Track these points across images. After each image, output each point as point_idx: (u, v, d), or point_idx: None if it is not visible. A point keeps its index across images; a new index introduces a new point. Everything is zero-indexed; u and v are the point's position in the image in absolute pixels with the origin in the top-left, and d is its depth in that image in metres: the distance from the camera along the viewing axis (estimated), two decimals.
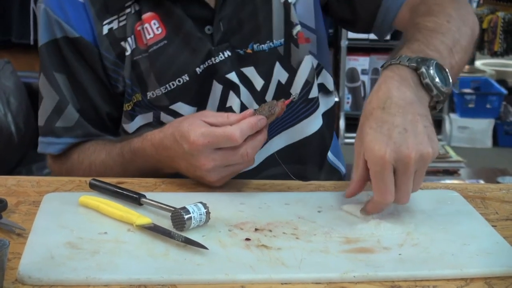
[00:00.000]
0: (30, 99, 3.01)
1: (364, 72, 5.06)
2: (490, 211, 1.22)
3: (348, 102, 5.10)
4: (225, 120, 1.22)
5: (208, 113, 1.26)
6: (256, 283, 0.96)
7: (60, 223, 1.10)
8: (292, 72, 1.43)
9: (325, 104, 1.52)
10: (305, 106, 1.46)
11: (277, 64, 1.42)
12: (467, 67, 5.39)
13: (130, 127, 1.43)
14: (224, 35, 1.39)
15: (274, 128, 1.44)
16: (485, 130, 4.91)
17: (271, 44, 1.41)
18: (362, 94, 5.06)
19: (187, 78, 1.38)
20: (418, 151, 1.07)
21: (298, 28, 1.43)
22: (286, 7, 1.42)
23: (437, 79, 1.15)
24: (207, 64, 1.38)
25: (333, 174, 1.58)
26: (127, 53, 1.38)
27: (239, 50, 1.40)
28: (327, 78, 1.53)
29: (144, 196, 1.16)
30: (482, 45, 4.99)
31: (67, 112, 1.41)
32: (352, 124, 4.94)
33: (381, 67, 1.20)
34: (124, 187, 1.21)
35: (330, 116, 1.54)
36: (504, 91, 5.07)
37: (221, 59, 1.38)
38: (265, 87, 1.42)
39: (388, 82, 1.14)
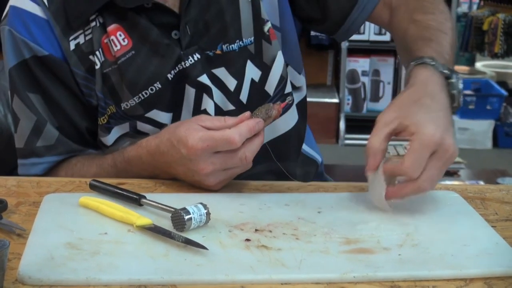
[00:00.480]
0: None
1: (364, 73, 5.06)
2: (490, 212, 1.22)
3: (348, 104, 5.09)
4: (223, 124, 1.22)
5: (204, 117, 1.26)
6: (256, 283, 0.96)
7: (60, 224, 1.10)
8: (266, 69, 1.43)
9: (297, 97, 1.52)
10: (282, 102, 1.44)
11: (249, 63, 1.41)
12: (467, 68, 5.39)
13: (108, 139, 1.41)
14: (191, 38, 1.38)
15: None
16: (485, 131, 4.91)
17: (240, 43, 1.40)
18: (362, 96, 5.06)
19: (160, 86, 1.37)
20: (456, 146, 1.14)
21: (269, 24, 1.42)
22: (255, 4, 1.41)
23: (461, 92, 1.23)
24: (177, 69, 1.38)
25: (311, 165, 1.59)
26: (97, 67, 1.37)
27: (208, 52, 1.39)
28: (294, 75, 1.52)
29: (144, 197, 1.16)
30: (483, 46, 4.99)
31: (46, 131, 1.40)
32: (352, 125, 4.94)
33: (413, 61, 1.25)
34: (124, 188, 1.21)
35: (303, 107, 1.54)
36: (504, 92, 5.07)
37: (191, 62, 1.37)
38: (239, 87, 1.41)
39: (434, 81, 1.21)
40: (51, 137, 1.40)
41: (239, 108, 1.39)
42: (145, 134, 1.37)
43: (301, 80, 1.55)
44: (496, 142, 4.92)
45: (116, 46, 1.36)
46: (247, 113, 1.23)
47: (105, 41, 1.36)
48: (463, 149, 4.63)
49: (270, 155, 1.40)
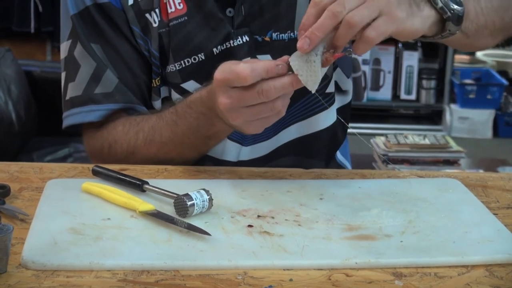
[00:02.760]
0: (31, 87, 3.01)
1: (365, 62, 5.05)
2: (491, 200, 1.22)
3: None
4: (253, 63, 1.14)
5: (248, 60, 1.21)
6: (259, 269, 0.96)
7: (63, 209, 1.10)
8: None
9: (340, 100, 1.50)
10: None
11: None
12: (468, 57, 5.38)
13: (159, 104, 1.41)
14: (244, 19, 1.37)
15: (287, 118, 1.42)
16: (486, 121, 4.91)
17: (291, 34, 1.39)
18: (363, 84, 5.06)
19: (203, 57, 1.36)
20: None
21: None
22: None
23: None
24: (224, 46, 1.37)
25: None
26: (155, 25, 1.37)
27: (257, 37, 1.38)
28: (341, 77, 1.50)
29: (147, 183, 1.17)
30: None
31: (105, 78, 1.38)
32: (354, 114, 4.94)
33: None
34: (126, 174, 1.21)
35: (345, 113, 1.51)
36: (505, 82, 5.06)
37: (239, 43, 1.37)
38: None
39: None
40: (110, 84, 1.38)
41: None
42: None
43: (348, 84, 1.52)
44: (496, 132, 4.92)
45: (171, 8, 1.36)
46: (285, 57, 1.13)
47: (164, 0, 1.36)
48: (464, 138, 4.63)
49: (299, 150, 1.40)
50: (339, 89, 1.49)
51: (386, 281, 0.95)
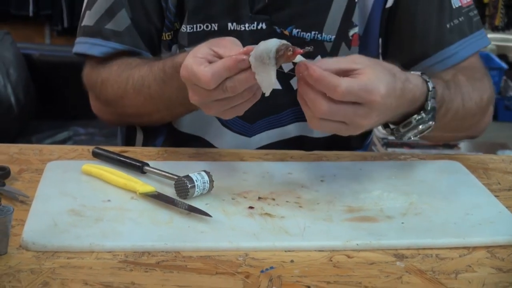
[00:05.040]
0: (30, 70, 3.00)
1: None
2: (493, 182, 1.22)
3: None
4: (228, 54, 1.08)
5: (224, 41, 1.12)
6: (260, 250, 0.96)
7: (63, 191, 1.10)
8: None
9: None
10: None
11: (319, 58, 1.33)
12: None
13: None
14: (265, 7, 1.33)
15: (290, 117, 1.40)
16: None
17: (318, 35, 1.34)
18: None
19: (216, 28, 1.33)
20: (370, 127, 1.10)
21: (356, 29, 1.36)
22: (350, 5, 1.35)
23: (412, 131, 1.17)
24: (238, 27, 1.33)
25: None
26: None
27: (276, 27, 1.34)
28: None
29: (147, 165, 1.16)
30: (483, 19, 4.96)
31: (119, 16, 1.36)
32: None
33: (422, 73, 1.18)
34: (127, 155, 1.20)
35: None
36: (504, 66, 5.05)
37: (253, 28, 1.33)
38: (293, 73, 1.31)
39: (413, 83, 1.13)
40: (122, 23, 1.37)
41: (287, 90, 1.34)
42: None
43: None
44: (496, 116, 4.92)
45: None
46: (249, 47, 1.07)
47: None
48: None
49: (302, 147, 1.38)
50: None
51: (388, 263, 0.95)
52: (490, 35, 5.48)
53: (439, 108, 1.18)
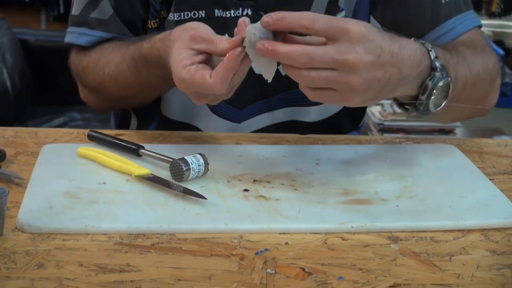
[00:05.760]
0: (26, 56, 3.00)
1: None
2: (487, 165, 1.22)
3: None
4: (214, 49, 1.08)
5: (199, 35, 1.09)
6: (255, 232, 0.96)
7: (58, 174, 1.10)
8: None
9: None
10: None
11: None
12: None
13: None
14: None
15: (283, 101, 1.40)
16: None
17: None
18: None
19: (203, 15, 1.32)
20: (360, 97, 1.02)
21: (342, 13, 1.35)
22: None
23: (435, 93, 1.12)
24: (224, 14, 1.32)
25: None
26: None
27: (262, 13, 1.28)
28: None
29: (143, 147, 1.16)
30: (480, 5, 4.96)
31: (102, 4, 1.36)
32: None
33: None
34: (122, 138, 1.20)
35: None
36: (501, 52, 5.05)
37: (237, 14, 1.32)
38: None
39: (416, 54, 1.08)
40: (105, 12, 1.36)
41: (275, 78, 1.35)
42: None
43: None
44: None
45: None
46: (240, 37, 1.05)
47: None
48: None
49: (320, 133, 1.36)
50: None
51: (382, 245, 0.95)
52: (487, 21, 5.48)
53: (447, 69, 1.14)
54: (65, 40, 1.42)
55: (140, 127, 1.47)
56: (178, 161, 1.08)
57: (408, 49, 1.06)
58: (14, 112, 2.90)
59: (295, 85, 1.05)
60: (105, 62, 1.34)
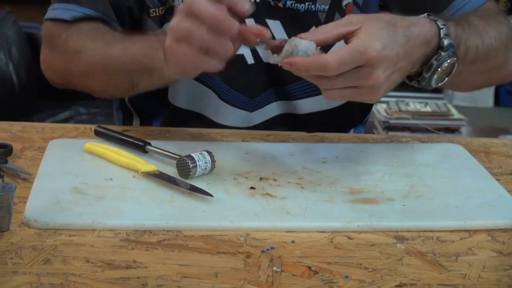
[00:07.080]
0: (32, 49, 2.99)
1: None
2: (494, 165, 1.22)
3: None
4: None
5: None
6: (261, 230, 0.96)
7: (65, 169, 1.10)
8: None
9: None
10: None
11: (313, 29, 1.26)
12: None
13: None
14: None
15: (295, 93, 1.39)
16: (487, 89, 4.89)
17: (312, 6, 1.32)
18: None
19: None
20: (383, 86, 1.03)
21: None
22: None
23: (438, 71, 1.12)
24: None
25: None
26: None
27: (270, 0, 1.31)
28: None
29: (149, 144, 1.16)
30: None
31: None
32: None
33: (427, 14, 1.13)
34: (129, 134, 1.21)
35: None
36: None
37: None
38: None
39: (424, 30, 1.09)
40: None
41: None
42: None
43: None
44: (497, 100, 4.91)
45: None
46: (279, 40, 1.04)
47: None
48: (465, 106, 4.62)
49: (331, 124, 1.37)
50: None
51: (388, 244, 0.95)
52: None
53: (457, 46, 1.14)
54: (46, 16, 1.37)
55: (143, 125, 1.46)
56: (184, 158, 1.08)
57: (419, 30, 1.07)
58: (20, 106, 2.90)
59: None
60: (81, 46, 1.30)
